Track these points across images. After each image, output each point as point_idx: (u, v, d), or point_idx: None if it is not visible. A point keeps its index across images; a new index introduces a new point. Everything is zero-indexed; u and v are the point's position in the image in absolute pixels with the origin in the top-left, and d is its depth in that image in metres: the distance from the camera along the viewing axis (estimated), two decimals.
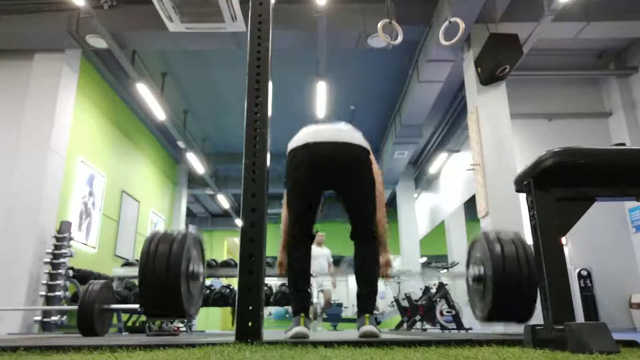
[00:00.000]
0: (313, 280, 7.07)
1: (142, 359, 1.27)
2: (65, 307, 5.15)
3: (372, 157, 2.39)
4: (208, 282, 8.68)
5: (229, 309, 9.28)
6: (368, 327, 2.10)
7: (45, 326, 5.18)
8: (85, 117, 6.76)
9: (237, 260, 1.82)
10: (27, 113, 5.82)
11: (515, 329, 2.43)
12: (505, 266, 2.18)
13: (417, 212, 11.89)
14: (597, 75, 7.36)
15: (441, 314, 6.75)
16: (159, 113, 7.43)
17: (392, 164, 10.08)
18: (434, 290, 6.91)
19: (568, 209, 1.41)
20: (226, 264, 7.03)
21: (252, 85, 1.96)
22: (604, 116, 7.33)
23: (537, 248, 1.42)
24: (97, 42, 5.95)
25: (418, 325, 7.04)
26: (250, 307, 1.69)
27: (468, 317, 5.97)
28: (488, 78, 5.57)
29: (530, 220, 1.46)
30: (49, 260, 5.37)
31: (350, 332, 7.87)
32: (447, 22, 4.16)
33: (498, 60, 5.35)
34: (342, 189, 2.37)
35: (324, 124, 2.44)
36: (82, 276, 5.80)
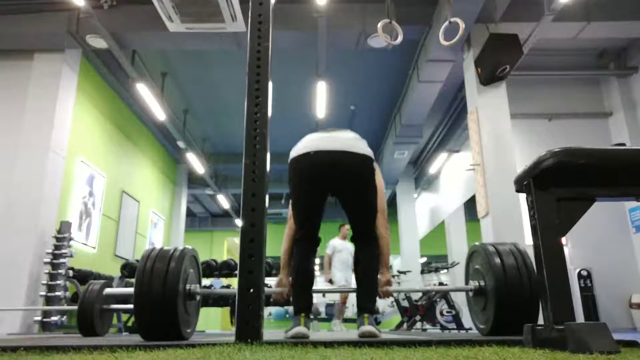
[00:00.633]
0: (337, 276, 6.95)
1: (142, 359, 1.27)
2: (65, 307, 5.14)
3: (375, 165, 2.38)
4: (208, 282, 8.68)
5: (228, 308, 9.26)
6: (367, 327, 2.10)
7: (45, 326, 5.18)
8: (85, 117, 6.76)
9: (237, 260, 1.82)
10: (27, 113, 5.82)
11: None
12: (506, 280, 2.19)
13: (417, 212, 11.89)
14: (597, 75, 7.36)
15: (441, 314, 6.75)
16: (159, 113, 7.43)
17: (392, 164, 10.08)
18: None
19: (568, 209, 1.41)
20: (226, 264, 7.03)
21: (252, 85, 1.96)
22: (604, 116, 7.33)
23: (537, 248, 1.42)
24: (97, 42, 5.95)
25: (418, 325, 7.04)
26: (250, 307, 1.69)
27: (468, 317, 5.97)
28: (488, 78, 5.57)
29: (530, 220, 1.46)
30: (49, 260, 5.37)
31: (350, 332, 7.87)
32: (447, 22, 4.16)
33: (498, 60, 5.34)
34: (343, 197, 2.37)
35: (326, 132, 2.41)
36: (82, 276, 5.81)
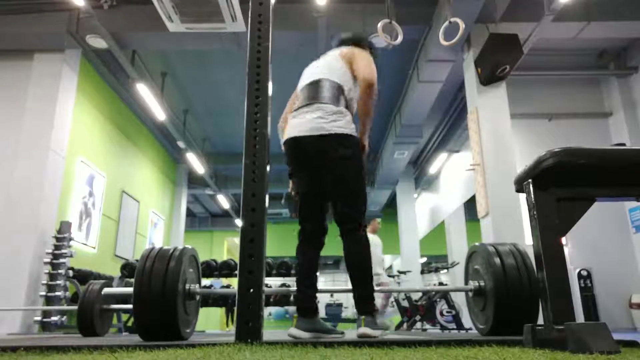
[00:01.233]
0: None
1: (142, 359, 1.27)
2: (65, 307, 5.14)
3: (349, 138, 2.19)
4: (208, 282, 8.69)
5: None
6: (363, 329, 2.08)
7: (45, 326, 5.18)
8: (85, 117, 6.76)
9: (237, 260, 1.82)
10: (27, 113, 5.82)
11: None
12: (506, 280, 2.19)
13: (417, 212, 11.89)
14: (597, 75, 7.36)
15: (441, 314, 6.76)
16: (159, 113, 7.43)
17: (392, 164, 10.08)
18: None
19: (568, 209, 1.41)
20: (226, 264, 7.03)
21: (252, 85, 1.96)
22: (604, 116, 7.33)
23: (537, 248, 1.42)
24: (97, 42, 5.95)
25: (418, 325, 7.04)
26: (250, 307, 1.69)
27: (468, 317, 5.97)
28: (488, 78, 5.57)
29: (530, 220, 1.46)
30: (49, 260, 5.37)
31: (350, 332, 7.86)
32: (447, 22, 4.16)
33: (498, 60, 5.35)
34: (326, 185, 2.27)
35: (299, 110, 2.29)
36: (82, 276, 5.81)
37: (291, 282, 8.50)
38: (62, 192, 5.97)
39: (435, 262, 11.05)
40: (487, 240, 5.34)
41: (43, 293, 5.21)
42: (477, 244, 2.51)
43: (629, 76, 7.10)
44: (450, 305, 6.73)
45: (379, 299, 6.89)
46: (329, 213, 2.40)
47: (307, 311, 2.21)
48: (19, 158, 5.66)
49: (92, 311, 3.35)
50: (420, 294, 7.07)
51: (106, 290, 3.34)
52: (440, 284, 7.03)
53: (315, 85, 2.31)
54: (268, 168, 1.90)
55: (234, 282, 9.42)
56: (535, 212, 1.43)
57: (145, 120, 8.92)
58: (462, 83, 6.48)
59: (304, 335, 2.12)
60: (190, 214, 14.48)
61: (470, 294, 2.46)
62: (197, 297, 2.38)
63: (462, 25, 3.97)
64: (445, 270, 9.28)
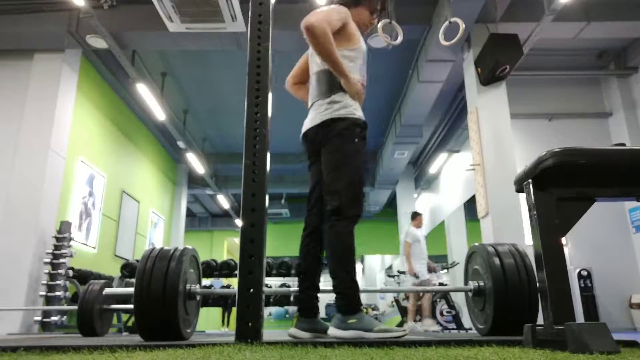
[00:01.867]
0: (419, 269, 6.70)
1: (142, 359, 1.27)
2: (65, 307, 5.15)
3: (335, 123, 2.12)
4: (208, 282, 8.69)
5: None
6: (330, 329, 1.98)
7: (45, 326, 5.18)
8: (85, 117, 6.76)
9: (237, 260, 1.82)
10: (27, 113, 5.83)
11: None
12: (505, 280, 2.19)
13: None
14: (597, 75, 7.36)
15: (441, 314, 6.76)
16: (159, 113, 7.43)
17: (392, 164, 10.08)
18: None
19: (568, 209, 1.41)
20: (226, 264, 7.03)
21: (252, 85, 1.96)
22: (604, 116, 7.33)
23: (537, 248, 1.42)
24: (97, 42, 5.95)
25: (418, 325, 7.03)
26: (250, 307, 1.69)
27: (468, 317, 5.97)
28: (488, 78, 5.57)
29: (530, 220, 1.46)
30: (49, 260, 5.37)
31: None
32: (447, 22, 4.16)
33: (498, 60, 5.35)
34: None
35: (309, 110, 2.34)
36: (82, 276, 5.81)
37: (291, 282, 8.51)
38: (62, 192, 5.97)
39: (435, 262, 11.05)
40: (487, 240, 5.34)
41: (43, 293, 5.22)
42: (476, 244, 2.51)
43: (629, 76, 7.10)
44: (450, 305, 6.74)
45: (425, 302, 6.75)
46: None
47: (307, 311, 2.18)
48: (19, 158, 5.66)
49: (92, 311, 3.36)
50: (420, 294, 7.07)
51: (107, 290, 3.34)
52: (440, 284, 7.03)
53: (312, 85, 2.36)
54: (268, 168, 1.90)
55: (233, 282, 9.42)
56: (535, 212, 1.43)
57: (145, 120, 8.92)
58: (462, 83, 6.47)
59: (304, 335, 2.10)
60: (190, 214, 14.48)
61: (470, 294, 2.46)
62: (198, 297, 2.38)
63: (462, 25, 3.97)
64: (445, 270, 9.28)
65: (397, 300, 7.74)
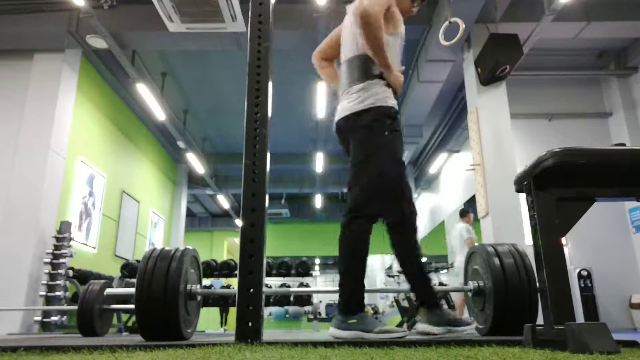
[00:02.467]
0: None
1: (142, 359, 1.27)
2: (65, 307, 5.15)
3: (364, 114, 2.01)
4: (208, 282, 8.68)
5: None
6: (330, 330, 1.92)
7: (45, 326, 5.18)
8: (85, 117, 6.76)
9: (237, 261, 1.82)
10: (27, 113, 5.83)
11: None
12: (505, 280, 2.19)
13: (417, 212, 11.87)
14: (597, 75, 7.36)
15: None
16: (159, 113, 7.43)
17: None
18: None
19: (568, 209, 1.41)
20: (226, 264, 7.03)
21: (252, 85, 1.96)
22: (604, 116, 7.33)
23: (537, 248, 1.42)
24: (97, 42, 5.95)
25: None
26: (250, 307, 1.69)
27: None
28: (488, 78, 5.57)
29: (530, 220, 1.46)
30: (49, 260, 5.37)
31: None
32: (447, 22, 4.16)
33: (498, 60, 5.35)
34: None
35: (340, 99, 2.19)
36: (82, 276, 5.81)
37: (291, 282, 8.51)
38: (62, 192, 5.97)
39: (435, 262, 11.05)
40: (487, 240, 5.34)
41: (43, 293, 5.22)
42: (476, 244, 2.51)
43: (629, 76, 7.10)
44: (450, 305, 6.72)
45: (456, 298, 6.67)
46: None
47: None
48: (19, 158, 5.66)
49: (92, 311, 3.36)
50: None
51: (108, 290, 3.35)
52: (441, 284, 7.02)
53: (344, 72, 2.19)
54: (268, 168, 1.90)
55: (233, 282, 9.42)
56: (535, 212, 1.43)
57: (145, 120, 8.92)
58: (462, 83, 6.48)
59: (439, 330, 2.00)
60: (190, 214, 14.49)
61: (469, 294, 2.46)
62: (198, 298, 2.38)
63: (462, 25, 3.97)
64: (445, 270, 9.28)
65: (397, 300, 7.74)
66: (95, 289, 3.47)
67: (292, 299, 7.66)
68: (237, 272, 1.74)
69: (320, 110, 7.45)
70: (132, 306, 5.00)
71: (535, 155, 1.45)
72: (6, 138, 5.83)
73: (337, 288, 2.03)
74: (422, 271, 2.10)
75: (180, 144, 9.06)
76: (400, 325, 7.71)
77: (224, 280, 9.98)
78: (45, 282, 5.25)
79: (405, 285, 2.22)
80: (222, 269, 6.94)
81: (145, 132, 9.27)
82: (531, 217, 1.45)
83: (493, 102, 5.66)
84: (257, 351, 1.38)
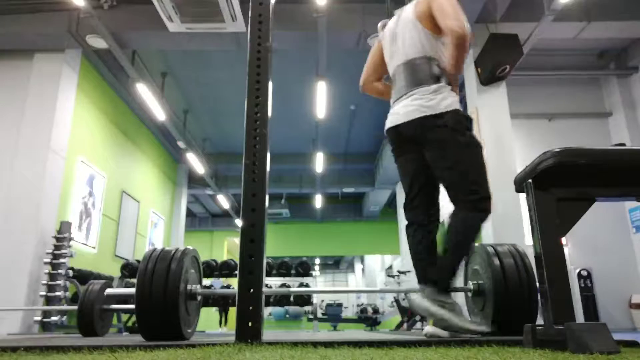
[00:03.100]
0: None
1: (142, 359, 1.27)
2: (65, 307, 5.15)
3: (445, 117, 2.06)
4: (208, 282, 8.69)
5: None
6: (419, 300, 1.99)
7: (45, 326, 5.18)
8: (85, 117, 6.76)
9: (237, 261, 1.82)
10: (27, 113, 5.83)
11: None
12: (505, 280, 2.19)
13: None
14: (597, 75, 7.36)
15: None
16: (159, 113, 7.43)
17: (392, 164, 10.01)
18: None
19: (568, 209, 1.41)
20: (226, 264, 7.04)
21: (252, 85, 1.96)
22: (604, 116, 7.33)
23: (537, 248, 1.42)
24: (97, 42, 5.95)
25: (418, 325, 7.04)
26: (251, 308, 1.69)
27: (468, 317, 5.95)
28: (488, 78, 5.57)
29: (530, 221, 1.46)
30: (49, 260, 5.37)
31: (350, 333, 7.86)
32: None
33: (498, 60, 5.35)
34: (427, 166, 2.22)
35: (396, 102, 2.21)
36: (82, 276, 5.81)
37: (291, 282, 8.51)
38: (62, 192, 5.97)
39: None
40: (487, 240, 5.34)
41: (43, 293, 5.22)
42: (476, 244, 2.51)
43: (629, 76, 7.10)
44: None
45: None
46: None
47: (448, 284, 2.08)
48: (19, 158, 5.66)
49: (92, 311, 3.36)
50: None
51: (108, 290, 3.34)
52: None
53: (403, 73, 2.21)
54: (268, 168, 1.90)
55: (233, 282, 9.42)
56: (535, 212, 1.43)
57: (145, 120, 8.93)
58: (462, 83, 6.47)
59: (445, 334, 2.01)
60: (190, 214, 14.49)
61: (469, 294, 2.46)
62: (198, 298, 2.39)
63: None
64: None
65: (397, 300, 7.74)
66: (95, 289, 3.47)
67: (292, 299, 7.67)
68: (237, 272, 1.74)
69: (320, 110, 7.45)
70: (132, 306, 5.00)
71: (535, 155, 1.45)
72: (6, 138, 5.83)
73: (336, 288, 2.04)
74: (455, 255, 2.10)
75: (181, 144, 9.06)
76: (400, 325, 7.72)
77: (223, 280, 9.98)
78: (45, 282, 5.25)
79: (405, 286, 2.22)
80: (222, 269, 6.94)
81: (146, 132, 9.27)
82: (531, 217, 1.45)
83: (493, 102, 5.66)
84: (257, 351, 1.38)
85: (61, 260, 5.41)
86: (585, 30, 5.80)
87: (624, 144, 1.49)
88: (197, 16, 5.04)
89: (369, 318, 11.47)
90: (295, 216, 14.16)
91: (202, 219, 16.00)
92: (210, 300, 6.89)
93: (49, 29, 5.83)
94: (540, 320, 1.44)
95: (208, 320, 13.81)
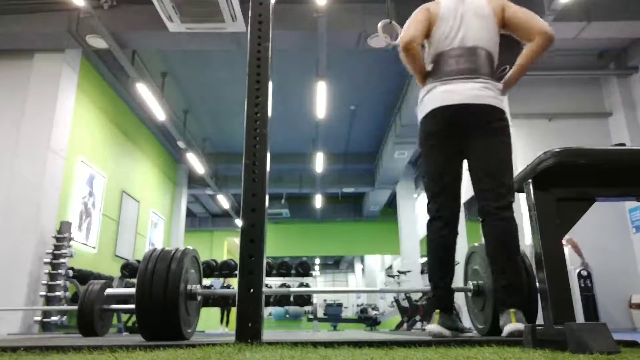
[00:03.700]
0: None
1: (142, 359, 1.27)
2: (65, 307, 5.15)
3: (502, 112, 2.17)
4: (208, 282, 8.69)
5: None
6: (514, 325, 1.83)
7: (45, 326, 5.18)
8: (85, 117, 6.76)
9: (237, 261, 1.82)
10: (27, 113, 5.83)
11: None
12: None
13: (417, 212, 11.90)
14: (597, 75, 7.36)
15: None
16: (159, 113, 7.43)
17: (392, 164, 10.08)
18: None
19: (568, 209, 1.41)
20: (226, 264, 7.03)
21: (252, 85, 1.96)
22: (604, 116, 7.33)
23: (537, 248, 1.42)
24: (97, 42, 5.95)
25: (418, 325, 7.04)
26: (250, 307, 1.69)
27: (467, 317, 5.96)
28: None
29: (530, 220, 1.46)
30: (49, 260, 5.37)
31: (350, 333, 7.86)
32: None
33: (498, 60, 5.34)
34: (469, 157, 2.21)
35: (449, 83, 2.19)
36: (82, 276, 5.81)
37: (291, 282, 8.51)
38: (62, 192, 5.97)
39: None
40: None
41: (43, 293, 5.22)
42: (476, 244, 2.51)
43: (629, 76, 7.10)
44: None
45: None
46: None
47: (449, 308, 2.09)
48: (18, 158, 5.66)
49: (92, 311, 3.36)
50: (420, 294, 7.07)
51: (108, 290, 3.34)
52: None
53: (472, 56, 2.23)
54: (268, 168, 1.90)
55: (233, 282, 9.42)
56: (535, 212, 1.43)
57: (145, 120, 8.93)
58: None
59: (448, 333, 2.03)
60: (190, 214, 14.49)
61: (469, 294, 2.46)
62: (199, 298, 2.39)
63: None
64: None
65: (397, 300, 7.74)
66: (95, 289, 3.47)
67: (292, 299, 7.67)
68: (237, 272, 1.74)
69: (320, 110, 7.45)
70: (132, 306, 5.00)
71: (535, 155, 1.45)
72: (6, 138, 5.83)
73: (336, 288, 2.05)
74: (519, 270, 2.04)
75: (181, 144, 9.06)
76: (400, 325, 7.72)
77: (223, 280, 9.98)
78: (45, 282, 5.25)
79: (405, 286, 2.22)
80: (222, 269, 6.94)
81: (146, 132, 9.27)
82: (531, 217, 1.45)
83: None
84: (257, 351, 1.38)
85: (61, 260, 5.41)
86: (585, 30, 5.79)
87: (624, 144, 1.49)
88: (197, 16, 5.04)
89: (369, 318, 11.47)
90: (295, 216, 14.16)
91: (202, 219, 16.00)
92: (210, 300, 6.89)
93: (48, 29, 5.83)
94: (540, 320, 1.44)
95: (208, 320, 13.82)
